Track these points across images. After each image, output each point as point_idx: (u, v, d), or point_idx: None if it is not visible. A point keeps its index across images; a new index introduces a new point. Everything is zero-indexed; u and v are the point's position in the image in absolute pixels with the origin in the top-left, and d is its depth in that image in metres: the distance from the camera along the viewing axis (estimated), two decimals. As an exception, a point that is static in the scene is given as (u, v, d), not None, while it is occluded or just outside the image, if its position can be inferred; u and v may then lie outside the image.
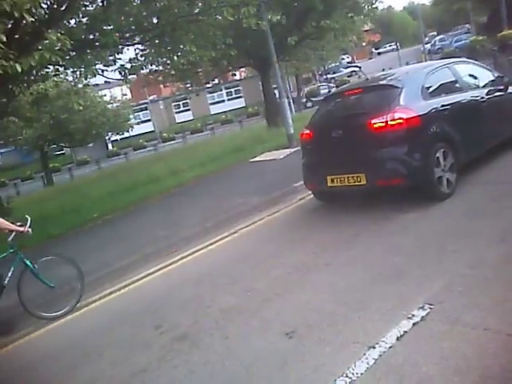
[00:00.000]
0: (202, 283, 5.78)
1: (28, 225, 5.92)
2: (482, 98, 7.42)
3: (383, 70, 28.31)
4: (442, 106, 6.67)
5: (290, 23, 16.54)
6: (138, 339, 4.76)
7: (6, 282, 5.77)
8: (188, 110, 54.25)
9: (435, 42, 49.92)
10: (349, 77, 46.34)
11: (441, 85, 7.02)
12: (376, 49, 74.82)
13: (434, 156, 6.31)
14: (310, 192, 7.87)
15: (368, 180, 6.32)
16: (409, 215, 6.15)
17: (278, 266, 5.62)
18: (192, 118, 52.00)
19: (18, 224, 5.89)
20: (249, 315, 4.62)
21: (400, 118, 6.17)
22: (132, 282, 6.46)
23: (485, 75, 8.03)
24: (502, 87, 7.93)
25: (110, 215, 10.65)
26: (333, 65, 48.66)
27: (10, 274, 5.78)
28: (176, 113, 55.96)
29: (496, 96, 7.68)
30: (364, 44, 64.52)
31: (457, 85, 7.29)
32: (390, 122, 6.18)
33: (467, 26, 43.08)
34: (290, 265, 5.56)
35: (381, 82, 7.15)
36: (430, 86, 6.83)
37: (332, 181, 6.67)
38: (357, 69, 50.86)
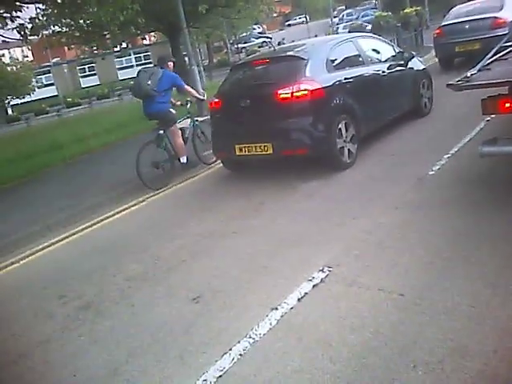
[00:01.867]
0: (107, 252, 5.69)
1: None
2: (384, 72, 7.76)
3: (293, 41, 28.97)
4: (345, 78, 6.92)
5: (201, -11, 16.25)
6: (40, 310, 4.63)
7: (186, 135, 8.33)
8: (94, 74, 52.00)
9: (343, 16, 50.98)
10: (259, 47, 46.32)
11: (345, 58, 7.27)
12: (286, 20, 75.32)
13: (337, 127, 6.56)
14: (219, 161, 7.92)
15: (274, 149, 6.46)
16: (312, 184, 6.39)
17: (184, 234, 5.65)
18: (99, 83, 49.93)
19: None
20: (155, 283, 4.63)
21: (305, 90, 6.33)
22: (34, 253, 6.21)
23: (387, 50, 8.39)
24: (402, 62, 8.33)
25: (8, 184, 10.10)
26: (244, 34, 48.40)
27: (188, 132, 8.40)
28: (81, 77, 53.41)
29: (397, 71, 8.08)
30: (275, 15, 64.64)
31: (360, 59, 7.56)
32: (295, 93, 6.32)
33: (374, 1, 44.07)
34: (197, 233, 5.61)
35: (288, 53, 7.26)
36: (335, 59, 7.05)
37: (240, 150, 6.74)
38: (268, 39, 50.97)
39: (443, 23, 13.39)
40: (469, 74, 4.88)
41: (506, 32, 9.99)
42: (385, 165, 6.66)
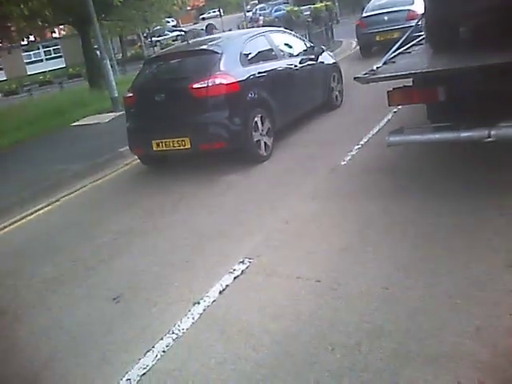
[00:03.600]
0: (21, 255, 5.46)
1: None
2: (296, 66, 7.96)
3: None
4: (259, 72, 7.03)
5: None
6: None
7: None
8: (0, 69, 49.17)
9: (256, 10, 51.63)
10: (174, 41, 45.79)
11: (258, 52, 7.38)
12: (201, 14, 75.22)
13: (253, 121, 6.66)
14: (136, 157, 7.79)
15: (192, 144, 6.46)
16: (231, 177, 6.46)
17: (103, 233, 5.53)
18: (5, 78, 47.25)
19: None
20: (73, 284, 4.52)
21: (220, 84, 6.37)
22: None
23: (298, 45, 8.60)
24: (313, 56, 8.57)
25: None
26: (158, 28, 47.57)
27: None
28: (-16, 72, 50.35)
29: (308, 65, 8.30)
30: (189, 8, 64.13)
31: (273, 53, 7.71)
32: (210, 87, 6.35)
33: None
34: (115, 231, 5.52)
35: (202, 47, 7.26)
36: (249, 53, 7.14)
37: (157, 145, 6.68)
38: (182, 33, 50.48)
39: (364, 15, 14.77)
40: (375, 68, 5.10)
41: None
42: (300, 157, 6.85)
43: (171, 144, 6.58)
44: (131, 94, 7.09)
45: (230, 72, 6.58)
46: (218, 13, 63.86)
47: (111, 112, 12.62)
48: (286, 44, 8.24)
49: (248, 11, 57.52)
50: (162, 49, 28.60)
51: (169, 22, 57.74)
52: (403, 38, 6.17)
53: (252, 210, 5.35)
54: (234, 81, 6.50)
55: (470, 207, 4.43)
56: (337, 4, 30.58)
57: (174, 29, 56.00)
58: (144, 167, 7.65)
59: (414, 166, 5.70)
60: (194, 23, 70.75)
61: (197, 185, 6.43)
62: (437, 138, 4.85)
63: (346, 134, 7.39)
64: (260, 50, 7.45)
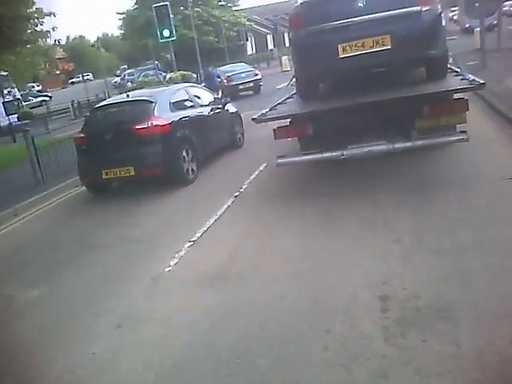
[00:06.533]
0: None
1: None
2: (208, 112, 10.23)
3: (72, 101, 30.21)
4: (184, 117, 9.19)
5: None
6: None
7: None
8: None
9: (124, 75, 52.65)
10: (39, 106, 43.04)
11: (181, 101, 9.54)
12: (70, 78, 75.05)
13: (181, 153, 8.71)
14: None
15: (136, 171, 8.35)
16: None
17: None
18: None
19: None
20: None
21: (157, 125, 8.42)
22: None
23: (209, 96, 10.92)
24: (220, 106, 10.90)
25: None
26: (22, 92, 42.33)
27: None
28: None
29: (218, 112, 10.62)
30: (58, 72, 61.83)
31: (191, 102, 9.92)
32: (149, 128, 8.36)
33: (156, 62, 44.38)
34: None
35: (139, 98, 9.28)
36: (175, 102, 9.27)
37: (106, 173, 8.49)
38: (47, 98, 49.05)
39: (226, 75, 24.05)
40: (264, 112, 7.18)
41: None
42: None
43: (118, 172, 8.43)
44: (83, 135, 8.93)
45: (162, 116, 8.64)
46: (88, 76, 62.56)
47: None
48: (200, 95, 10.51)
49: (117, 75, 57.26)
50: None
51: (34, 87, 56.12)
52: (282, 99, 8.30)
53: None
54: (166, 122, 8.57)
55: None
56: (196, 73, 32.21)
57: (39, 94, 54.39)
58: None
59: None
60: (62, 87, 68.96)
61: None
62: (309, 158, 6.91)
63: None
64: (182, 99, 9.64)
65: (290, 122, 7.06)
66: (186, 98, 9.86)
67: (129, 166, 8.37)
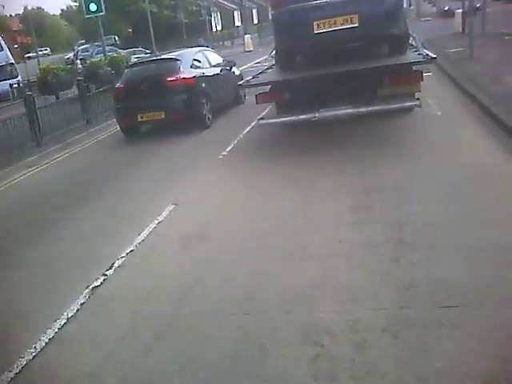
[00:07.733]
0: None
1: None
2: (220, 71, 12.27)
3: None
4: (202, 73, 11.22)
5: None
6: None
7: None
8: None
9: (78, 51, 44.67)
10: None
11: (199, 61, 11.58)
12: (27, 52, 64.49)
13: (203, 102, 10.76)
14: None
15: (166, 115, 10.37)
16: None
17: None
18: None
19: None
20: None
21: (184, 78, 10.45)
22: None
23: (219, 59, 12.97)
24: (229, 68, 12.98)
25: None
26: None
27: None
28: None
29: (227, 72, 12.72)
30: (16, 46, 56.16)
31: (207, 63, 11.95)
32: (178, 79, 10.39)
33: (115, 36, 41.62)
34: None
35: (168, 56, 11.45)
36: (195, 61, 11.32)
37: (141, 117, 10.50)
38: None
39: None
40: (248, 79, 8.74)
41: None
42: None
43: (152, 116, 10.45)
44: (122, 85, 10.93)
45: (187, 71, 10.67)
46: (46, 51, 59.20)
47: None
48: (213, 58, 12.56)
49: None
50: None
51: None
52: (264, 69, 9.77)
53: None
54: (191, 76, 10.60)
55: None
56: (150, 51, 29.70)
57: None
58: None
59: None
60: (17, 63, 58.90)
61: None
62: (286, 120, 7.95)
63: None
64: (200, 59, 11.71)
65: (270, 88, 8.03)
66: (203, 59, 11.96)
67: (160, 111, 10.39)
